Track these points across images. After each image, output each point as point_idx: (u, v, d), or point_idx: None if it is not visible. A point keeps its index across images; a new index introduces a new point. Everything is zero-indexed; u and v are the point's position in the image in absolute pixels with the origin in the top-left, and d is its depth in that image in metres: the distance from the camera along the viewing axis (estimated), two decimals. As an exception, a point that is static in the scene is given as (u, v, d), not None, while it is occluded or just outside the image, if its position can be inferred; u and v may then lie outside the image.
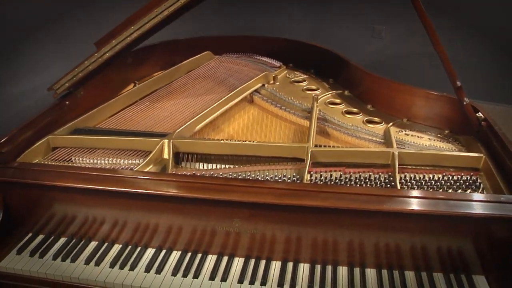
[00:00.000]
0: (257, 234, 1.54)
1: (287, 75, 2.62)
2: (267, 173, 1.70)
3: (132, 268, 1.55)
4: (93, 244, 1.66)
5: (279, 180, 1.66)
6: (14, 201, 1.66)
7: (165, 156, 1.79)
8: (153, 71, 2.62)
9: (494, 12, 3.56)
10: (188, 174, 1.70)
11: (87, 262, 1.58)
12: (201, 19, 3.95)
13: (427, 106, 2.07)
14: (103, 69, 2.04)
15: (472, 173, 1.70)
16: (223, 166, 1.80)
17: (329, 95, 2.38)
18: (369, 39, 4.18)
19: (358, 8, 4.06)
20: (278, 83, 2.50)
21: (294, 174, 1.70)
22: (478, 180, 1.67)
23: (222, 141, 1.81)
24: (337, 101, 2.30)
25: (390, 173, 1.70)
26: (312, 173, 1.69)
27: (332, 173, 1.70)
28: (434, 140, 1.96)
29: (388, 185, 1.64)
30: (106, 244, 1.65)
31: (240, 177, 1.68)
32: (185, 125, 1.91)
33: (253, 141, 1.81)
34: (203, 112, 2.01)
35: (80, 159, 1.80)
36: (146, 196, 1.54)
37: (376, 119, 2.12)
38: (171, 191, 1.52)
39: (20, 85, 2.53)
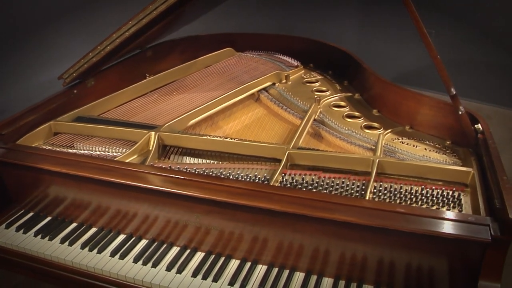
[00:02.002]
0: (217, 230, 1.54)
1: (303, 75, 2.58)
2: (238, 171, 1.69)
3: (99, 252, 1.63)
4: (73, 225, 1.76)
5: (249, 180, 1.65)
6: (8, 179, 1.80)
7: (151, 147, 1.85)
8: (173, 65, 2.64)
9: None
10: (160, 166, 1.73)
11: (62, 241, 1.68)
12: (250, 20, 3.99)
13: (430, 114, 1.94)
14: (107, 61, 2.14)
15: (455, 189, 1.58)
16: (206, 161, 1.82)
17: (337, 97, 2.31)
18: (416, 43, 3.98)
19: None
20: (290, 83, 2.47)
21: (265, 174, 1.68)
22: (460, 197, 1.55)
23: (204, 137, 1.84)
24: (343, 104, 2.23)
25: (365, 181, 1.62)
26: (284, 175, 1.67)
27: (304, 176, 1.66)
28: (430, 150, 1.84)
29: (358, 194, 1.57)
30: (84, 226, 1.74)
31: (214, 173, 1.69)
32: (176, 119, 1.95)
33: (234, 139, 1.81)
34: (200, 107, 2.04)
35: (78, 145, 1.91)
36: (111, 183, 1.60)
37: (376, 125, 2.03)
38: (131, 180, 1.57)
39: (48, 74, 2.70)
